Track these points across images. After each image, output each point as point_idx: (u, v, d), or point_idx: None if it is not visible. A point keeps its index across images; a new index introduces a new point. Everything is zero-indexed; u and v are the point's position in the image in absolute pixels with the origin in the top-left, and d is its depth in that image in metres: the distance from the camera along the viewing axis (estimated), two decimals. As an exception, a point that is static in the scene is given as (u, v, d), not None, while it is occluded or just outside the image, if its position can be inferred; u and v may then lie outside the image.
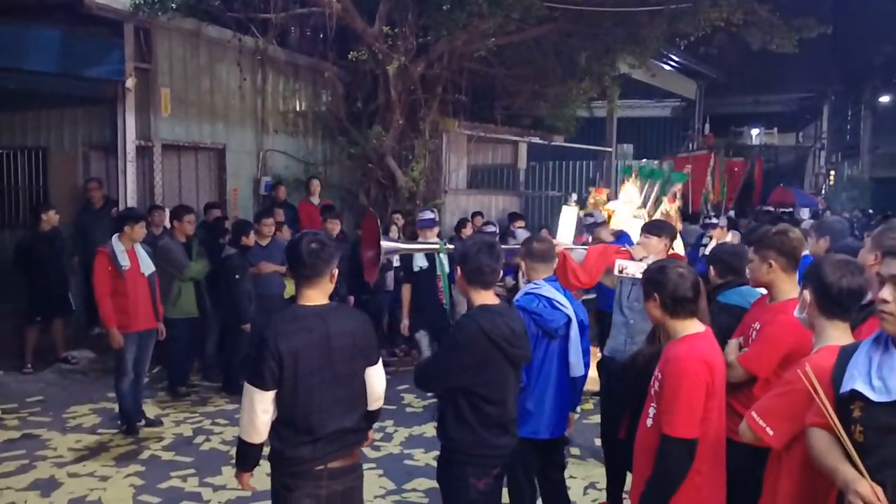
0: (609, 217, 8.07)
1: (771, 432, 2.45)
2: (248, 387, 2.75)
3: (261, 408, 2.73)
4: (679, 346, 2.81)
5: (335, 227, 8.03)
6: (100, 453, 5.50)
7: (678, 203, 8.79)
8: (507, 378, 3.12)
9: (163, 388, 7.06)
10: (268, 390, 2.72)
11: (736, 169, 17.29)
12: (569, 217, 7.30)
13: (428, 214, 6.90)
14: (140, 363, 6.00)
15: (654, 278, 2.91)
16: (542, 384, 3.78)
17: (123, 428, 5.93)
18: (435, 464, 5.09)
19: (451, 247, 4.86)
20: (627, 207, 8.24)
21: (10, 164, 8.75)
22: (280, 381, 2.72)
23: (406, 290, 6.65)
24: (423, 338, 6.62)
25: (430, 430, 5.97)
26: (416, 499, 4.82)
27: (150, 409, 6.39)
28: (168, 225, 7.42)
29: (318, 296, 2.87)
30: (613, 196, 9.82)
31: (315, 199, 9.45)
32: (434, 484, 4.81)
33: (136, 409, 6.04)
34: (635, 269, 4.15)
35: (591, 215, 7.22)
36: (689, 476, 2.70)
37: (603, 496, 4.70)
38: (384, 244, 4.26)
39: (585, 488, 5.00)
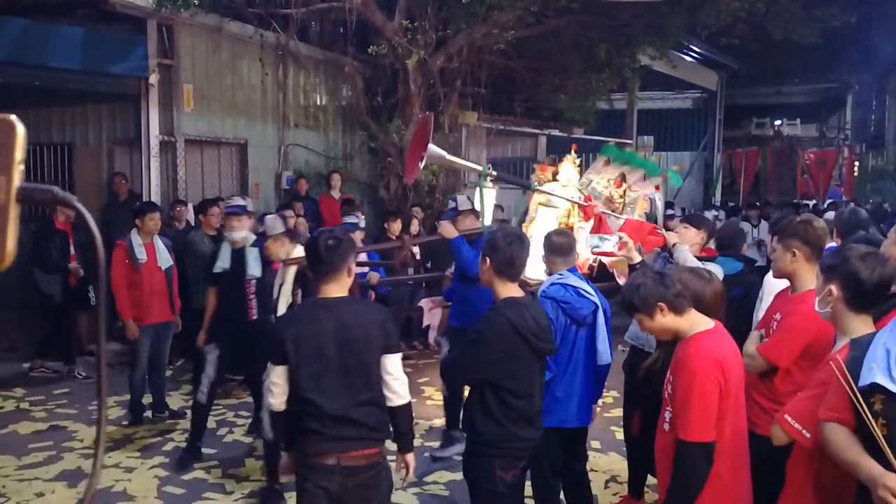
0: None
1: (808, 435, 2.41)
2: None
3: (272, 378, 3.01)
4: (688, 346, 2.72)
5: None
6: (125, 445, 5.59)
7: (625, 188, 7.20)
8: (533, 371, 3.12)
9: (187, 381, 7.15)
10: (276, 365, 2.97)
11: (827, 159, 17.15)
12: (490, 199, 6.80)
13: (238, 201, 5.49)
14: (159, 356, 6.10)
15: (656, 290, 2.75)
16: (571, 373, 3.79)
17: (129, 419, 6.03)
18: (456, 457, 5.16)
19: (494, 173, 4.82)
20: (562, 190, 6.77)
21: (37, 159, 8.86)
22: (286, 360, 2.94)
23: (211, 296, 5.45)
24: (211, 351, 5.26)
25: (450, 422, 6.01)
26: (437, 491, 4.85)
27: (174, 401, 6.49)
28: (193, 219, 7.50)
29: (335, 289, 3.00)
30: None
31: (336, 193, 9.50)
32: (454, 476, 4.88)
33: (159, 400, 6.18)
34: (610, 247, 4.02)
35: (453, 199, 5.90)
36: (708, 480, 2.62)
37: (624, 489, 4.70)
38: (432, 148, 4.20)
39: (607, 482, 5.01)
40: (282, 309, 4.60)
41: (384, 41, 9.36)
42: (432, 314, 5.95)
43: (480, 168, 4.78)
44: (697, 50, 15.52)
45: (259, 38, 9.11)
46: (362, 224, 6.95)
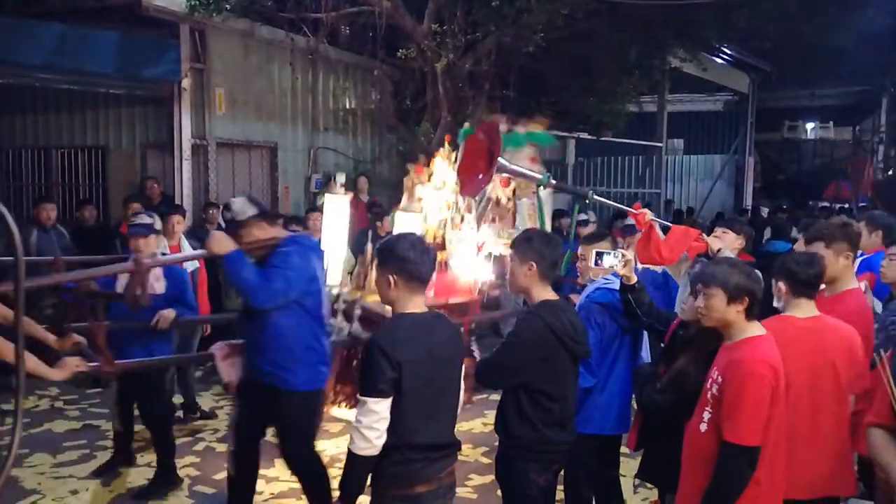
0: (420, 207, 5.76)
1: None
2: (364, 399, 2.59)
3: (379, 414, 2.57)
4: (743, 348, 2.71)
5: (387, 225, 8.02)
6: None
7: (514, 187, 6.09)
8: (567, 374, 3.12)
9: (217, 381, 7.21)
10: (383, 397, 2.57)
11: None
12: (337, 209, 5.84)
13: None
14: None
15: (747, 284, 2.72)
16: (613, 380, 3.75)
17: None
18: (484, 459, 5.15)
19: (555, 182, 4.56)
20: (438, 194, 5.86)
21: (72, 161, 9.03)
22: (398, 390, 2.58)
23: None
24: None
25: (478, 425, 6.00)
26: (465, 494, 4.82)
27: (205, 402, 6.55)
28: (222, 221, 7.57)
29: (421, 303, 2.75)
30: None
31: (364, 197, 9.54)
32: (484, 480, 4.86)
33: (190, 401, 6.24)
34: (612, 262, 3.84)
35: (227, 209, 4.13)
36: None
37: (653, 494, 4.65)
38: (503, 162, 4.02)
39: (636, 486, 4.96)
40: None
41: (413, 45, 9.40)
42: (228, 365, 4.07)
43: (540, 177, 4.63)
44: (729, 52, 15.35)
45: (290, 43, 9.20)
46: (158, 225, 5.11)
